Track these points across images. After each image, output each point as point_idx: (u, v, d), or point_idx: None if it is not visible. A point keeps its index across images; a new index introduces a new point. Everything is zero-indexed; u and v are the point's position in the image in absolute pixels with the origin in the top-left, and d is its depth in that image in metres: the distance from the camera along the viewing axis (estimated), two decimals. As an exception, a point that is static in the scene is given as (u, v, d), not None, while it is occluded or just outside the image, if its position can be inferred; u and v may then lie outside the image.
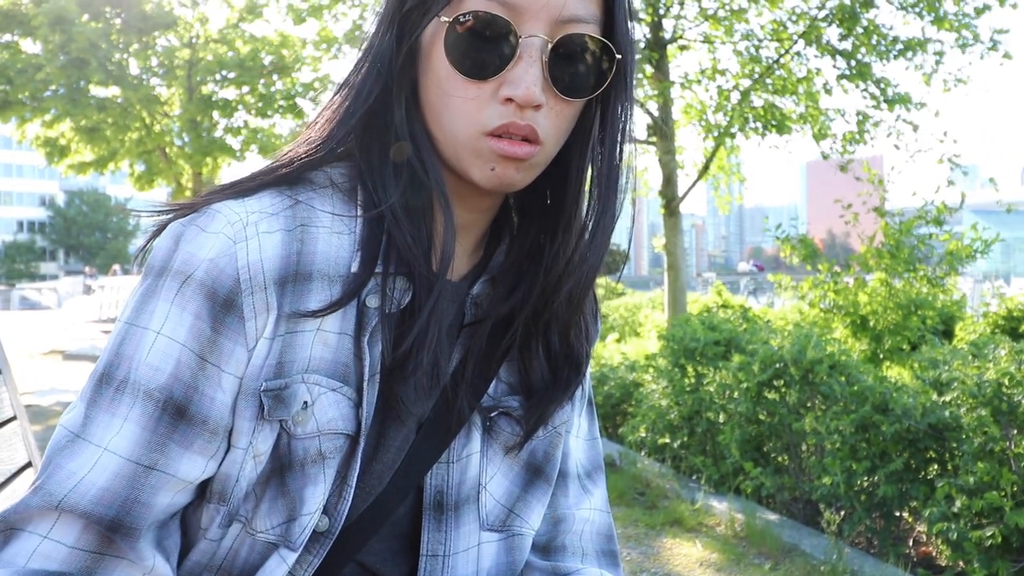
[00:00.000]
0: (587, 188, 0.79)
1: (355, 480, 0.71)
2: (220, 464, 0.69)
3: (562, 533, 0.87)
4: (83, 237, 70.85)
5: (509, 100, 0.67)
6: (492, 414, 0.78)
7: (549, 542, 0.87)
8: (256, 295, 0.67)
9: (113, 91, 14.88)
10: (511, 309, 0.78)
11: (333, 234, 0.71)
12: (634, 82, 0.79)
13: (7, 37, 14.14)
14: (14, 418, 1.48)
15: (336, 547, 0.72)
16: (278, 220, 0.69)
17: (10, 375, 1.50)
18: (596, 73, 0.71)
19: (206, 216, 0.69)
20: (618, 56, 0.72)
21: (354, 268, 0.71)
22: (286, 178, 0.73)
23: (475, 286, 0.79)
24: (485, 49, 0.68)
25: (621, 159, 0.79)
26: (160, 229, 0.71)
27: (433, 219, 0.74)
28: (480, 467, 0.78)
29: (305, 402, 0.68)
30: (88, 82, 14.46)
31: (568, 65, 0.69)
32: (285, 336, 0.68)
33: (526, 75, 0.67)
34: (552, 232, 0.78)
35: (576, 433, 0.92)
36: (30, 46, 14.36)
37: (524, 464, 0.82)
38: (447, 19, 0.68)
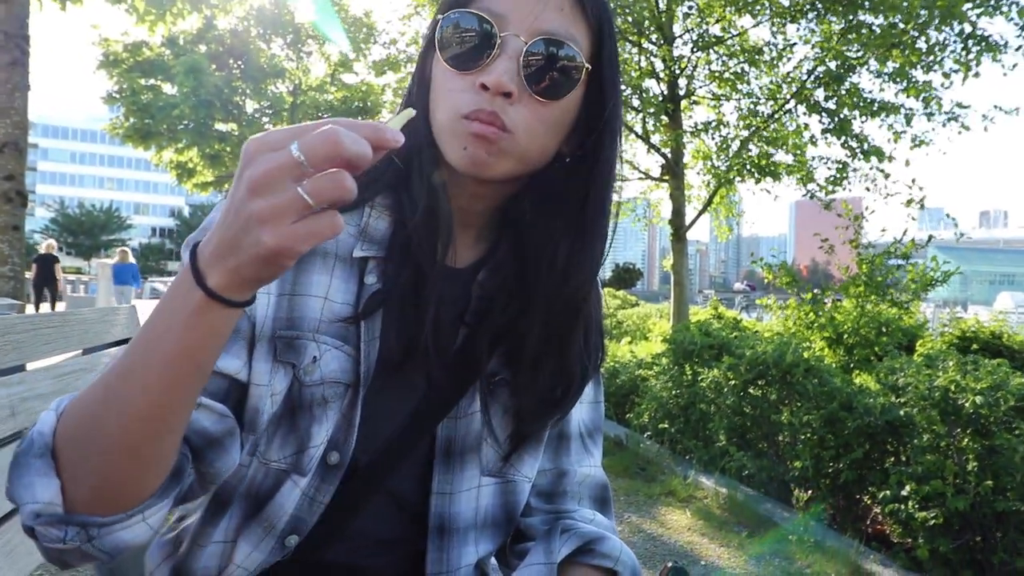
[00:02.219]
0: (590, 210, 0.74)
1: (358, 422, 0.72)
2: (249, 379, 0.69)
3: (564, 484, 0.87)
4: (202, 242, 72.29)
5: (484, 87, 0.65)
6: (493, 379, 0.77)
7: (552, 490, 0.86)
8: None
9: (231, 127, 15.32)
10: (511, 305, 0.75)
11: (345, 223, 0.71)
12: (620, 124, 0.75)
13: (152, 81, 14.64)
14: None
15: (364, 478, 0.74)
16: None
17: None
18: (566, 80, 0.68)
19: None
20: (588, 66, 0.69)
21: (356, 252, 0.72)
22: None
23: (480, 273, 0.77)
24: (469, 44, 0.67)
25: (608, 187, 0.75)
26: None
27: (433, 209, 0.71)
28: (482, 423, 0.78)
29: (315, 357, 0.70)
30: (213, 119, 14.93)
31: (541, 66, 0.66)
32: (292, 297, 0.70)
33: (499, 66, 0.65)
34: (546, 242, 0.74)
35: (581, 398, 0.87)
36: (168, 88, 14.84)
37: (518, 424, 0.80)
38: (440, 17, 0.69)
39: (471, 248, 0.79)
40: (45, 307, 12.72)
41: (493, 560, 0.85)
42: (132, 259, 13.88)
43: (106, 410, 0.52)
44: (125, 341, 1.54)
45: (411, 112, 0.56)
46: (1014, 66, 7.46)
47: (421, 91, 0.73)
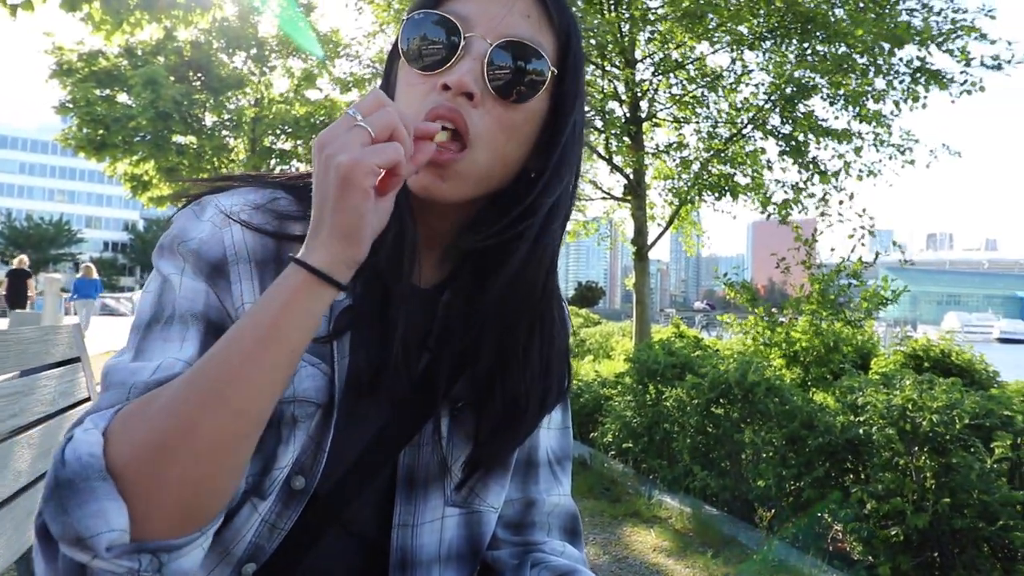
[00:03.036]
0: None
1: (328, 445, 0.68)
2: None
3: (533, 514, 0.83)
4: (158, 257, 70.68)
5: (446, 87, 0.64)
6: (458, 404, 0.74)
7: (520, 521, 0.83)
8: (241, 266, 0.66)
9: (190, 139, 15.00)
10: (472, 328, 0.73)
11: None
12: (582, 130, 0.74)
13: (107, 92, 14.27)
14: (88, 399, 1.47)
15: (320, 509, 0.70)
16: (259, 212, 0.69)
17: (88, 362, 1.49)
18: (531, 84, 0.66)
19: (200, 206, 0.69)
20: (553, 70, 0.67)
21: None
22: (276, 181, 0.73)
23: (445, 293, 0.74)
24: (433, 46, 0.65)
25: (567, 196, 0.73)
26: (176, 213, 0.72)
27: (398, 228, 0.68)
28: (447, 451, 0.74)
29: None
30: (171, 132, 14.59)
31: (506, 69, 0.64)
32: None
33: (463, 66, 0.64)
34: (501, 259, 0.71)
35: (548, 424, 0.86)
36: (124, 99, 14.48)
37: (476, 449, 0.77)
38: (405, 17, 0.67)
39: (436, 268, 0.76)
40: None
41: None
42: (96, 274, 14.41)
43: (203, 413, 0.51)
44: (69, 361, 1.45)
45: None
46: (960, 95, 7.76)
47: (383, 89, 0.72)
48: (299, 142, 15.51)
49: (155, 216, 73.81)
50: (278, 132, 15.50)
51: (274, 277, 0.65)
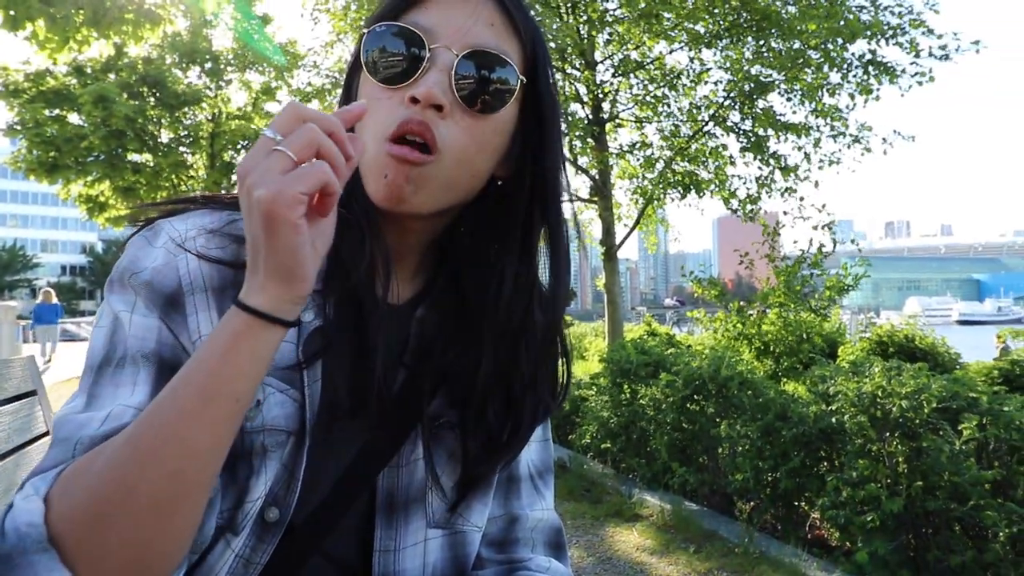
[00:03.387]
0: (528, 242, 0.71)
1: (302, 474, 0.65)
2: None
3: (516, 531, 0.81)
4: (118, 279, 69.14)
5: (413, 101, 0.62)
6: (437, 423, 0.72)
7: (504, 539, 0.81)
8: (197, 295, 0.63)
9: (146, 157, 14.67)
10: (453, 343, 0.71)
11: None
12: (561, 141, 0.73)
13: (56, 112, 13.88)
14: (47, 433, 1.41)
15: (300, 539, 0.67)
16: (216, 238, 0.66)
17: (44, 395, 1.43)
18: (500, 94, 0.65)
19: (153, 232, 0.66)
20: (522, 78, 0.66)
21: None
22: (234, 201, 0.69)
23: (418, 310, 0.73)
24: (397, 59, 0.63)
25: (560, 216, 0.72)
26: (127, 241, 0.68)
27: (364, 244, 0.66)
28: (427, 471, 0.72)
29: (258, 400, 0.63)
30: (125, 150, 14.25)
31: (474, 79, 0.63)
32: None
33: (430, 78, 0.62)
34: (491, 277, 0.70)
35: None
36: (75, 118, 14.10)
37: (465, 468, 0.75)
38: (367, 30, 0.65)
39: (408, 283, 0.74)
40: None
41: None
42: (55, 299, 14.75)
43: (140, 474, 0.50)
44: (24, 395, 1.39)
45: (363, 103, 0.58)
46: (910, 87, 7.99)
47: (342, 102, 0.70)
48: (260, 156, 15.26)
49: (113, 237, 72.04)
50: (238, 147, 15.24)
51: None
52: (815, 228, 8.35)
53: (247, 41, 14.44)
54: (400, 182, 0.62)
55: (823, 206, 8.47)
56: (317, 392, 0.66)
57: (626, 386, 5.11)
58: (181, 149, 15.23)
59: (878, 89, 8.02)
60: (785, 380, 6.45)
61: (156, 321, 0.63)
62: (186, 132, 15.07)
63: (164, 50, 14.61)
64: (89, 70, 13.91)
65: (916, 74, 7.98)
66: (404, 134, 0.61)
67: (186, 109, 14.72)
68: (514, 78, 0.65)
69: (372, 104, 0.64)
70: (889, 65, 7.88)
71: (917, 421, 3.04)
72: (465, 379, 0.71)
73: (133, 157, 14.69)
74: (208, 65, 15.15)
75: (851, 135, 8.35)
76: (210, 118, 15.32)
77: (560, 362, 0.76)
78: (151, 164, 14.66)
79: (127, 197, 14.75)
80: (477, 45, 0.63)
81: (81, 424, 0.57)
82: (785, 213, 8.63)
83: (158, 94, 14.52)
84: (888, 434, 3.15)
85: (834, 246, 8.22)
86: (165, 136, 14.99)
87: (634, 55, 8.53)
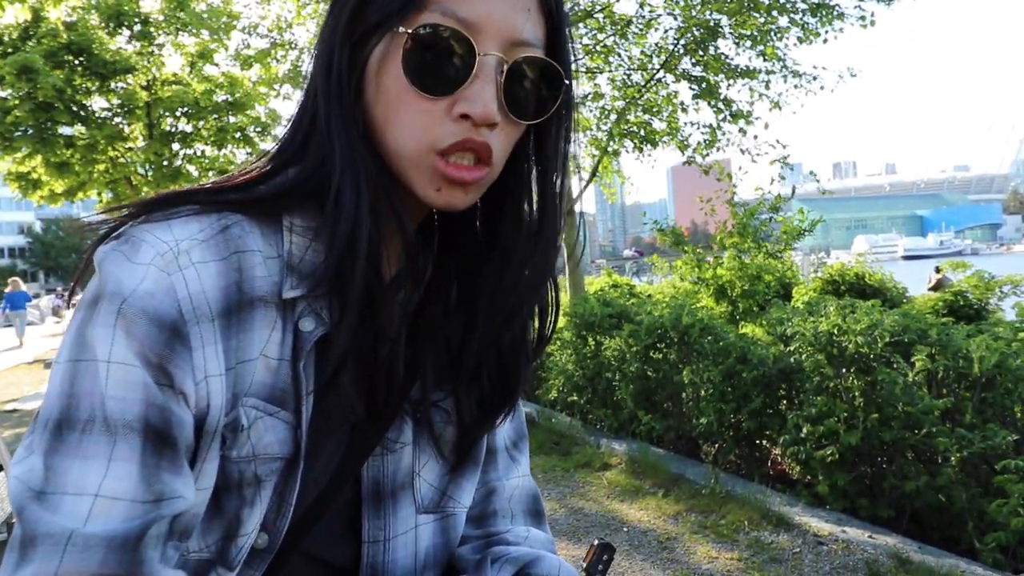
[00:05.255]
0: (523, 213, 0.68)
1: (294, 499, 0.60)
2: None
3: (494, 502, 0.79)
4: (61, 259, 66.59)
5: (464, 117, 0.56)
6: (422, 407, 0.69)
7: (481, 512, 0.79)
8: (203, 325, 0.53)
9: (79, 129, 13.90)
10: (449, 319, 0.68)
11: (268, 259, 0.58)
12: (574, 109, 0.69)
13: (-25, 85, 12.99)
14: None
15: (282, 546, 0.63)
16: (210, 248, 0.55)
17: None
18: (546, 97, 0.62)
19: (130, 245, 0.53)
20: (567, 82, 0.63)
21: (286, 292, 0.58)
22: (213, 198, 0.59)
23: (400, 293, 0.67)
24: (442, 65, 0.57)
25: (561, 186, 0.69)
26: (91, 253, 0.56)
27: (365, 234, 0.59)
28: (413, 456, 0.68)
29: (242, 425, 0.56)
30: (55, 123, 13.46)
31: (521, 87, 0.59)
32: (236, 367, 0.56)
33: (483, 93, 0.56)
34: (490, 253, 0.66)
35: None
36: (-2, 92, 13.23)
37: (460, 439, 0.73)
38: (405, 31, 0.56)
39: (392, 265, 0.67)
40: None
41: None
42: (23, 286, 16.77)
43: None
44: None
45: None
46: (853, 24, 8.10)
47: (334, 82, 0.60)
48: (201, 123, 14.60)
49: (52, 215, 69.09)
50: (177, 114, 14.54)
51: (238, 332, 0.55)
52: (773, 162, 8.45)
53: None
54: (457, 194, 0.59)
55: (776, 141, 8.58)
56: (310, 405, 0.59)
57: (590, 338, 5.15)
58: (116, 120, 14.45)
59: (825, 32, 8.06)
60: (743, 323, 6.59)
61: (141, 372, 0.51)
62: (120, 101, 14.29)
63: (87, 12, 13.71)
64: (6, 38, 13.00)
65: (860, 18, 8.08)
66: (463, 151, 0.57)
67: (117, 76, 13.92)
68: (561, 84, 0.62)
69: (410, 107, 0.58)
70: (835, 8, 7.93)
71: (871, 356, 3.13)
72: (454, 351, 0.67)
73: (64, 130, 13.89)
74: (137, 28, 14.31)
75: (806, 75, 8.42)
76: (145, 85, 14.54)
77: (549, 314, 0.72)
78: (84, 137, 13.90)
79: (61, 173, 14.01)
80: (521, 41, 0.59)
81: (57, 513, 0.48)
82: (743, 151, 8.70)
83: (85, 62, 13.69)
84: (844, 370, 3.23)
85: (793, 191, 8.35)
86: (97, 106, 14.20)
87: (582, 2, 8.36)
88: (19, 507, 0.49)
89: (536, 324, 0.72)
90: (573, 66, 0.67)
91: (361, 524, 0.67)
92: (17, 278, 16.52)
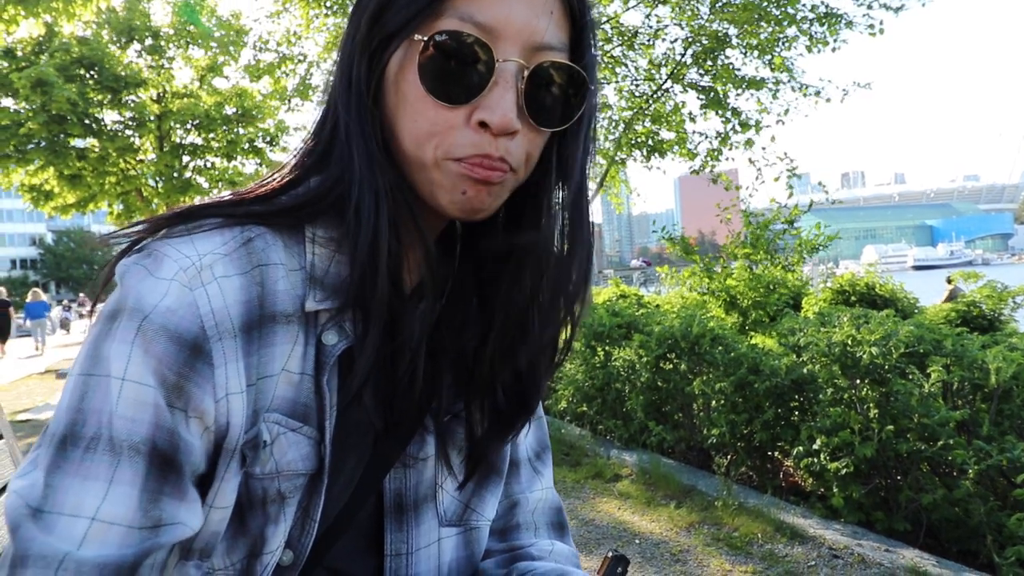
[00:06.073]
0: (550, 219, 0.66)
1: (319, 514, 0.59)
2: (211, 504, 0.55)
3: (517, 515, 0.78)
4: (72, 270, 67.10)
5: (483, 125, 0.55)
6: (444, 418, 0.68)
7: (505, 525, 0.78)
8: (225, 342, 0.52)
9: (91, 142, 14.05)
10: (466, 334, 0.66)
11: (290, 271, 0.57)
12: (597, 115, 0.67)
13: (-10, 98, 13.16)
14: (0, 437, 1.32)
15: (306, 562, 0.62)
16: (232, 262, 0.54)
17: (12, 438, 1.34)
18: (569, 103, 0.60)
19: (152, 259, 0.53)
20: (592, 87, 0.61)
21: (309, 306, 0.57)
22: (235, 210, 0.58)
23: (421, 304, 0.65)
24: (460, 72, 0.55)
25: (585, 193, 0.67)
26: (113, 267, 0.56)
27: (385, 246, 0.58)
28: (435, 468, 0.68)
29: (264, 441, 0.55)
30: (68, 135, 13.61)
31: (543, 93, 0.58)
32: (257, 383, 0.55)
33: (503, 100, 0.55)
34: (516, 261, 0.64)
35: None
36: (9, 103, 13.39)
37: (477, 451, 0.71)
38: (422, 38, 0.55)
39: (411, 275, 0.67)
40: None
41: None
42: (43, 296, 18.10)
43: None
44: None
45: None
46: (862, 32, 8.09)
47: (354, 90, 0.59)
48: (211, 135, 14.73)
49: (63, 227, 69.70)
50: (187, 127, 14.68)
51: (260, 347, 0.54)
52: (776, 179, 8.44)
53: (186, 15, 13.81)
54: (483, 197, 0.57)
55: (784, 154, 8.57)
56: (334, 419, 0.59)
57: (599, 349, 5.13)
58: (127, 132, 14.60)
59: (834, 40, 8.06)
60: (753, 333, 6.55)
61: (152, 393, 0.50)
62: (131, 114, 14.43)
63: (99, 27, 13.89)
64: (19, 52, 13.17)
65: (868, 26, 8.06)
66: (480, 165, 0.56)
67: (128, 90, 14.07)
68: (583, 89, 0.60)
69: (426, 114, 0.56)
70: (843, 16, 7.93)
71: (886, 367, 3.10)
72: (469, 361, 0.66)
73: (76, 143, 14.04)
74: (148, 41, 14.48)
75: (811, 87, 8.41)
76: (155, 98, 14.69)
77: (565, 327, 0.70)
78: (96, 149, 14.05)
79: (73, 185, 14.15)
80: (542, 46, 0.57)
81: (51, 534, 0.47)
82: (751, 161, 8.68)
83: (97, 75, 13.85)
84: (859, 381, 3.20)
85: (810, 205, 8.34)
86: (109, 119, 14.35)
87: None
88: (15, 524, 0.48)
89: (554, 335, 0.69)
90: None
91: (383, 538, 0.66)
92: (37, 289, 18.05)
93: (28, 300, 18.07)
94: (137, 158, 14.64)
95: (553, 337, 0.69)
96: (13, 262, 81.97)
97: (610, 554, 0.74)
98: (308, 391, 0.57)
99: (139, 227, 0.58)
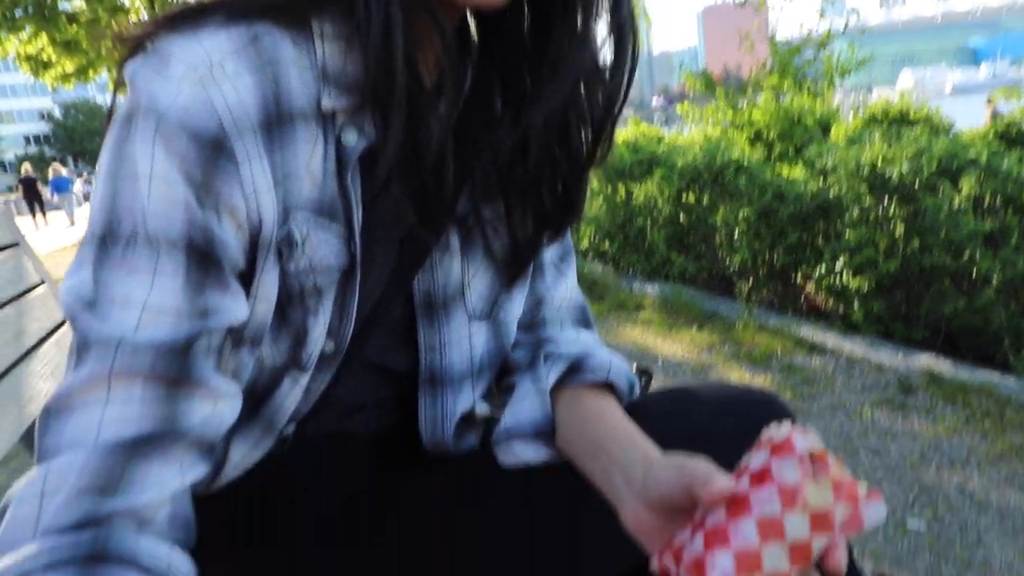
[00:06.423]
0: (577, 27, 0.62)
1: (355, 307, 0.62)
2: (256, 296, 0.58)
3: (542, 311, 0.80)
4: (85, 144, 66.58)
5: None
6: (480, 220, 0.69)
7: (532, 320, 0.80)
8: (247, 139, 0.51)
9: (80, 5, 13.36)
10: (498, 124, 0.64)
11: (302, 69, 0.55)
12: None
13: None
14: (42, 282, 1.37)
15: (346, 353, 0.66)
16: (242, 60, 0.52)
17: (27, 246, 1.37)
18: None
19: (159, 58, 0.51)
20: None
21: (324, 104, 0.55)
22: (239, 5, 0.55)
23: (442, 100, 0.63)
24: None
25: None
26: (121, 70, 0.54)
27: (400, 34, 0.54)
28: (462, 269, 0.70)
29: (296, 241, 0.56)
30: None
31: None
32: (284, 183, 0.55)
33: None
34: (541, 68, 0.62)
35: None
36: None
37: (515, 252, 0.73)
38: None
39: (433, 70, 0.64)
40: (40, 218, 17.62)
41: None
42: (64, 171, 19.72)
43: None
44: (3, 248, 1.32)
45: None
46: None
47: None
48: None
49: (69, 99, 68.25)
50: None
51: (281, 147, 0.54)
52: None
53: None
54: None
55: None
56: (360, 215, 0.59)
57: (620, 187, 5.07)
58: (117, -8, 13.78)
59: None
60: (779, 166, 6.39)
61: (183, 190, 0.50)
62: (117, -31, 13.53)
63: None
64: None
65: None
66: None
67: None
68: None
69: None
70: None
71: (916, 184, 3.03)
72: (506, 167, 0.65)
73: (64, 6, 13.35)
74: None
75: None
76: (138, -50, 13.68)
77: (606, 128, 0.68)
78: (86, 12, 13.37)
79: (70, 52, 13.65)
80: None
81: (107, 322, 0.49)
82: None
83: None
84: (887, 200, 3.15)
85: (845, 27, 7.76)
86: (94, -24, 13.49)
87: None
88: (72, 316, 0.51)
89: (591, 135, 0.67)
90: None
91: (417, 334, 0.70)
92: (57, 163, 19.12)
93: (50, 176, 19.24)
94: (128, 20, 13.94)
95: (596, 136, 0.67)
96: (27, 138, 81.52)
97: (634, 367, 0.76)
98: (332, 191, 0.57)
99: (144, 29, 0.55)
